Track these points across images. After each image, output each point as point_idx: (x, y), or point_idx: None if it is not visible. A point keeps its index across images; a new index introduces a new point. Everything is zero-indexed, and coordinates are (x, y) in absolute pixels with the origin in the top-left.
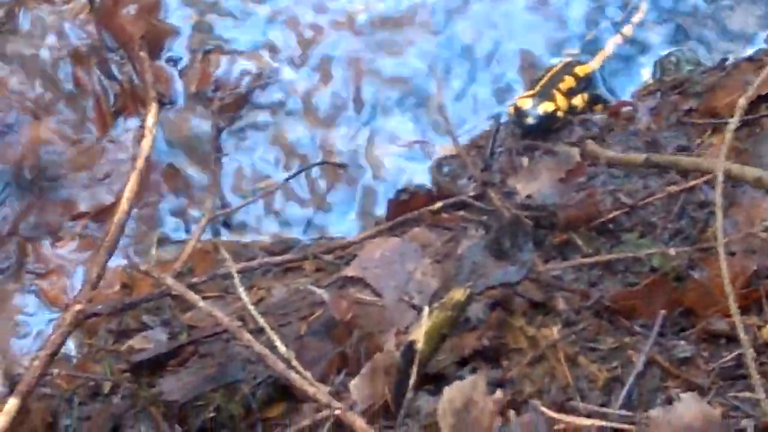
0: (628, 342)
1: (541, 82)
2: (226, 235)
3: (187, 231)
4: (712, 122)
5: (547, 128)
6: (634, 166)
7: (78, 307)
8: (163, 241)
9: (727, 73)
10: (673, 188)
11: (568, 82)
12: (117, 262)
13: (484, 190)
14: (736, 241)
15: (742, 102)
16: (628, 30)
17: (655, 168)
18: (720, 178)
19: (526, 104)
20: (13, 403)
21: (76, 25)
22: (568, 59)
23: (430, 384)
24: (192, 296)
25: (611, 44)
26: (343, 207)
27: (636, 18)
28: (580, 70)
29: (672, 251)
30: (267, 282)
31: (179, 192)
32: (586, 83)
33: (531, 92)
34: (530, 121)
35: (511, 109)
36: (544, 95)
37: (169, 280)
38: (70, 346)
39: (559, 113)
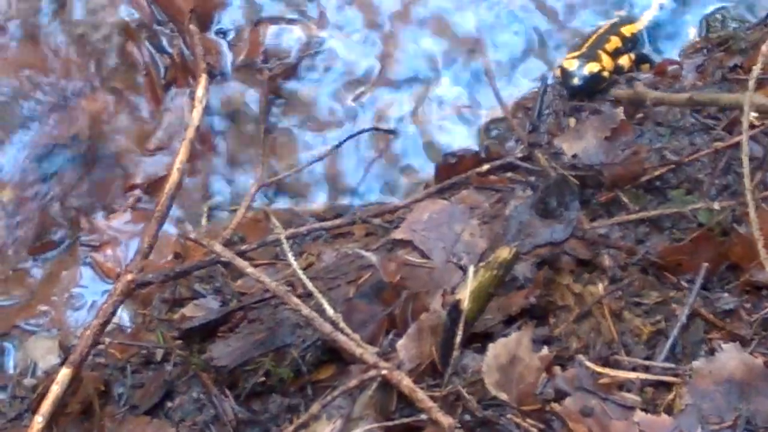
0: (672, 296)
1: (587, 43)
2: (277, 204)
3: (238, 199)
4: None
5: (593, 89)
6: (678, 104)
7: (129, 276)
8: (214, 210)
9: None
10: (719, 144)
11: (614, 42)
12: (170, 232)
13: (531, 151)
14: None
15: (765, 49)
16: None
17: (697, 106)
18: (746, 108)
19: (572, 65)
20: (65, 373)
21: (126, 1)
22: (615, 19)
23: (477, 343)
24: (240, 262)
25: (657, 3)
26: (393, 172)
27: None
28: (626, 30)
29: (717, 206)
30: (317, 248)
31: (230, 161)
32: (632, 43)
33: (577, 53)
34: (576, 81)
35: (558, 71)
36: (590, 56)
37: (218, 247)
38: (125, 317)
39: (605, 73)
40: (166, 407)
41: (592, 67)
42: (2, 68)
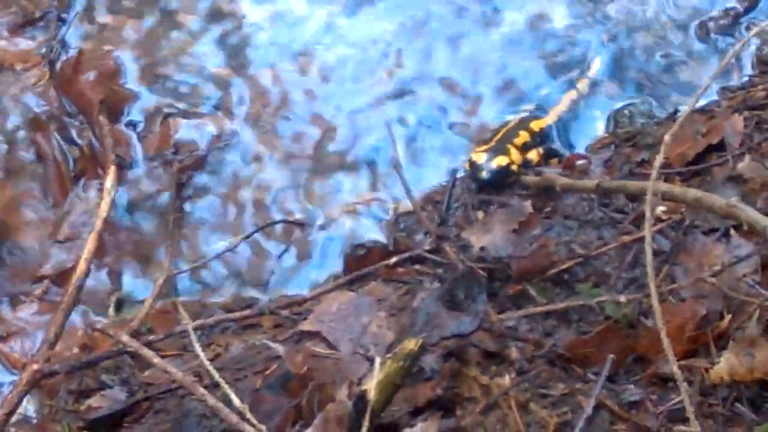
0: (579, 388)
1: (496, 137)
2: (186, 295)
3: (147, 290)
4: (662, 172)
5: (502, 182)
6: (586, 191)
7: (35, 366)
8: (122, 301)
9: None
10: (626, 238)
11: (523, 137)
12: (77, 323)
13: (439, 244)
14: (686, 287)
15: (667, 138)
16: (582, 85)
17: (605, 192)
18: (649, 195)
19: (481, 158)
20: None
21: (36, 92)
22: (523, 114)
23: None
24: (147, 352)
25: (566, 99)
26: (302, 264)
27: (591, 72)
28: (534, 125)
29: (623, 299)
30: (225, 339)
31: (139, 252)
32: (541, 138)
33: (486, 147)
34: (484, 175)
35: (466, 164)
36: (499, 150)
37: (125, 338)
38: (31, 408)
39: (513, 167)
40: None
41: (501, 161)
42: None
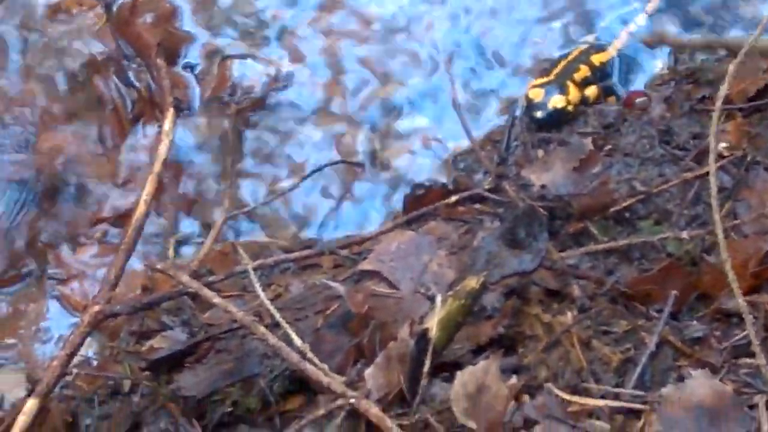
0: (641, 325)
1: (556, 70)
2: (245, 236)
3: (206, 232)
4: (724, 108)
5: (557, 122)
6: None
7: (96, 308)
8: (181, 243)
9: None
10: (688, 175)
11: (583, 71)
12: (137, 266)
13: (499, 183)
14: (748, 223)
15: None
16: (641, 19)
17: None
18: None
19: (538, 96)
20: (32, 404)
21: (93, 35)
22: (584, 46)
23: (445, 372)
24: (207, 292)
25: (625, 34)
26: (361, 204)
27: (649, 7)
28: (595, 59)
29: (686, 235)
30: (285, 280)
31: (198, 194)
32: (601, 73)
33: (544, 80)
34: (539, 115)
35: (524, 99)
36: (557, 85)
37: (185, 278)
38: (92, 349)
39: (570, 107)
40: None
41: (557, 102)
42: None
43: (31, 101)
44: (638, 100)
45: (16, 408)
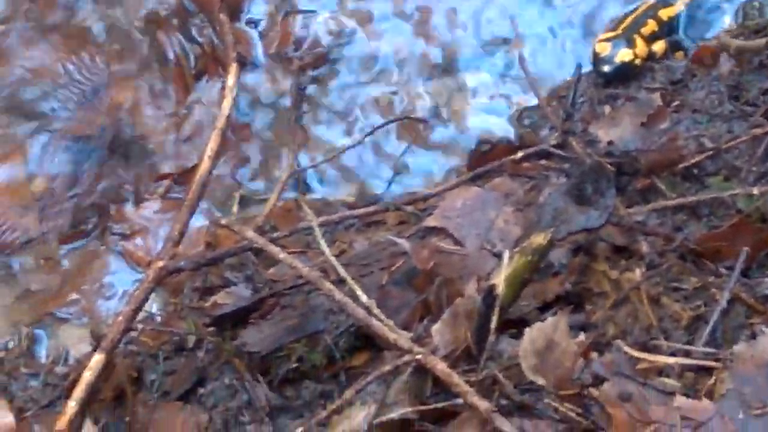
0: (712, 282)
1: (624, 24)
2: (309, 193)
3: (269, 189)
4: None
5: (624, 76)
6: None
7: (160, 263)
8: (245, 199)
9: None
10: (757, 131)
11: (651, 26)
12: (201, 222)
13: (565, 139)
14: None
15: None
16: None
17: None
18: None
19: (605, 50)
20: (98, 359)
21: None
22: (652, 1)
23: (512, 329)
24: (273, 248)
25: None
26: (426, 161)
27: None
28: (663, 13)
29: (756, 191)
30: (349, 236)
31: (261, 150)
32: (669, 27)
33: (611, 34)
34: (606, 69)
35: (591, 54)
36: (625, 40)
37: (250, 233)
38: (156, 306)
39: (637, 61)
40: (199, 393)
41: (624, 56)
42: (32, 60)
43: (96, 58)
44: (706, 55)
45: (82, 363)
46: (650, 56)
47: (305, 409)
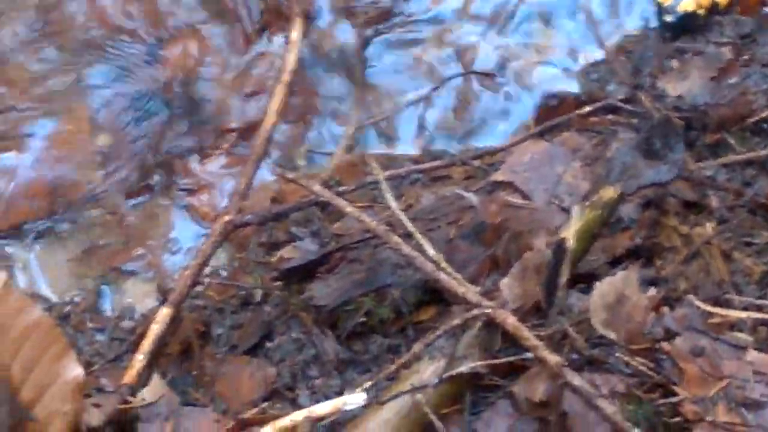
0: None
1: None
2: (374, 148)
3: (334, 144)
4: None
5: (688, 26)
6: None
7: (227, 217)
8: (310, 153)
9: None
10: None
11: None
12: (266, 177)
13: (633, 93)
14: None
15: None
16: None
17: None
18: None
19: (668, 0)
20: (165, 313)
21: None
22: None
23: (582, 283)
24: (339, 201)
25: None
26: (493, 115)
27: None
28: None
29: None
30: (415, 191)
31: (325, 105)
32: None
33: None
34: (669, 18)
35: (655, 4)
36: None
37: (316, 187)
38: (222, 261)
39: (700, 11)
40: (266, 347)
41: (687, 6)
42: (97, 15)
43: (159, 13)
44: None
45: (148, 317)
46: (714, 8)
47: (373, 364)
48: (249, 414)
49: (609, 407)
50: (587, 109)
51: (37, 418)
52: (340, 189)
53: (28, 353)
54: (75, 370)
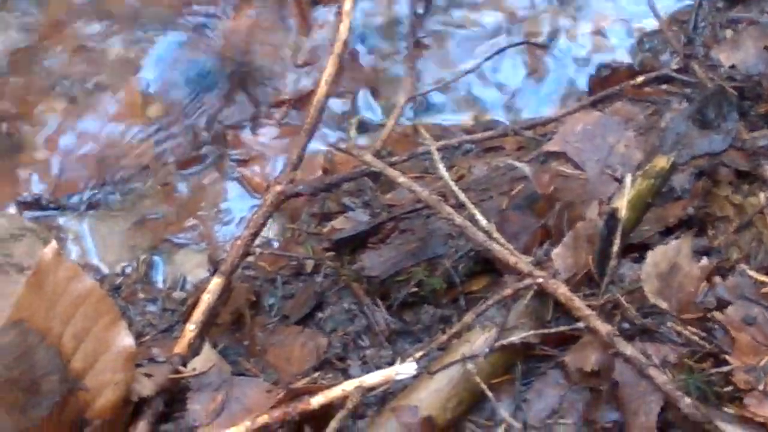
0: None
1: None
2: (426, 119)
3: (386, 115)
4: None
5: None
6: None
7: (279, 187)
8: (362, 124)
9: None
10: None
11: None
12: (317, 148)
13: (687, 63)
14: None
15: None
16: None
17: None
18: None
19: None
20: (216, 282)
21: None
22: None
23: (634, 253)
24: (392, 172)
25: None
26: (545, 86)
27: None
28: None
29: None
30: (467, 161)
31: (378, 75)
32: None
33: None
34: None
35: None
36: None
37: (369, 157)
38: (273, 232)
39: None
40: (317, 318)
41: None
42: None
43: None
44: None
45: (200, 287)
46: None
47: (424, 334)
48: (300, 384)
49: (660, 377)
50: (640, 79)
51: (88, 388)
52: (392, 159)
53: (79, 322)
54: (126, 340)
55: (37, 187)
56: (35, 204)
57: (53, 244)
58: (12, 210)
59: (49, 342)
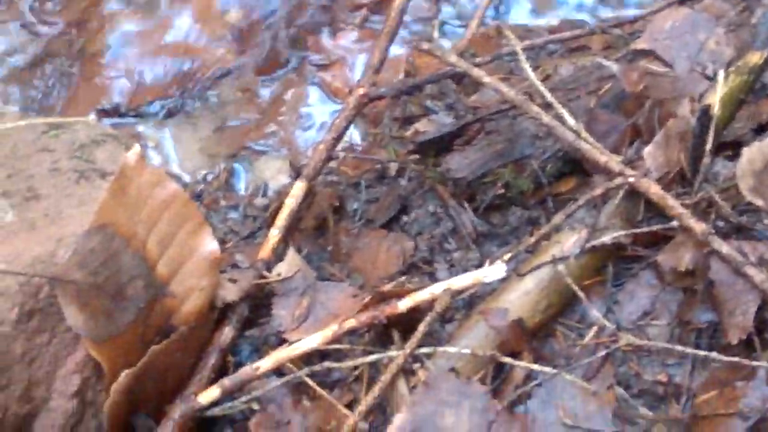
0: None
1: None
2: (509, 19)
3: (469, 15)
4: None
5: None
6: None
7: (361, 90)
8: (444, 26)
9: None
10: None
11: None
12: (398, 53)
13: None
14: None
15: None
16: None
17: None
18: None
19: None
20: (299, 186)
21: None
22: None
23: (727, 151)
24: (476, 72)
25: None
26: None
27: None
28: None
29: None
30: (553, 62)
31: None
32: None
33: None
34: None
35: None
36: None
37: (453, 58)
38: (355, 137)
39: None
40: (402, 221)
41: None
42: None
43: None
44: None
45: (282, 193)
46: None
47: (512, 236)
48: (387, 287)
49: (758, 275)
50: None
51: (174, 294)
52: (476, 60)
53: (164, 228)
54: (211, 245)
55: (116, 95)
56: (114, 111)
57: (136, 148)
58: (92, 118)
59: (134, 247)
